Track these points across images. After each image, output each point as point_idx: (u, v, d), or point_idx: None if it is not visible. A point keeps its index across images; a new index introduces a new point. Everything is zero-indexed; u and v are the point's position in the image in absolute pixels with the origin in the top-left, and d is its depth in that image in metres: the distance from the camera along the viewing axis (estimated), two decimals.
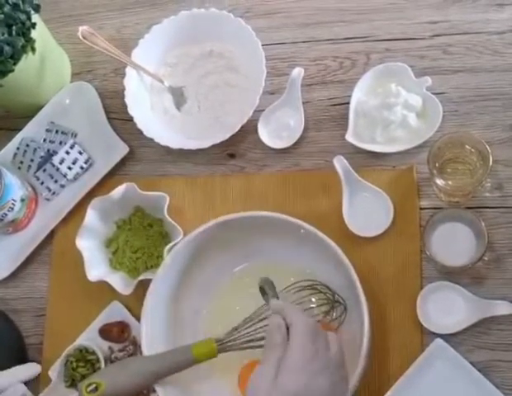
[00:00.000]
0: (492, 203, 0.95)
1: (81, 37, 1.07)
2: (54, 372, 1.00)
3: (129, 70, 1.10)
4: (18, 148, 1.12)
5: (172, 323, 0.97)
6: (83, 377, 0.98)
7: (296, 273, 0.95)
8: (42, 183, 1.10)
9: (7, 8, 1.00)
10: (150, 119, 1.10)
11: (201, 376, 0.94)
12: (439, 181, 0.91)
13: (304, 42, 1.10)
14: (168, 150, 1.05)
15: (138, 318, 0.95)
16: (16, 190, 1.06)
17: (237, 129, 1.02)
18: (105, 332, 1.01)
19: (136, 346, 1.00)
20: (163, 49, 1.12)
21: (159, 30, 1.11)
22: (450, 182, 0.93)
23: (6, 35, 0.99)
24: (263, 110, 1.05)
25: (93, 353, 0.99)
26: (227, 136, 1.03)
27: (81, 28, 1.08)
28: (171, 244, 0.98)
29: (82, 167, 1.09)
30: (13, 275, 1.07)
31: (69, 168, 1.09)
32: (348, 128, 1.01)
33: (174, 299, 0.97)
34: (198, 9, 1.11)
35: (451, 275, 0.93)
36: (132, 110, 1.07)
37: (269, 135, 1.06)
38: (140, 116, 1.07)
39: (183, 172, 1.08)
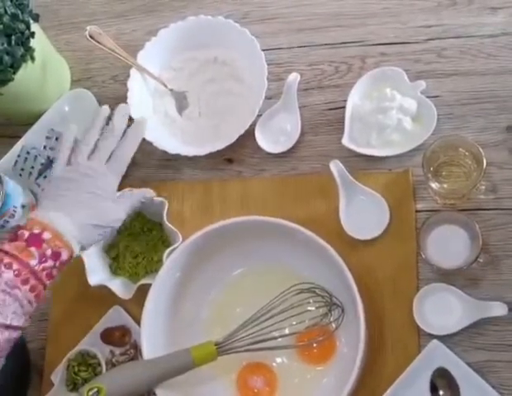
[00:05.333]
0: (487, 205, 0.96)
1: (88, 36, 1.08)
2: (57, 376, 1.01)
3: (133, 72, 1.11)
4: (19, 156, 1.13)
5: (172, 327, 0.98)
6: (85, 381, 0.99)
7: (294, 276, 0.96)
8: (43, 190, 1.11)
9: (6, 18, 1.01)
10: (151, 122, 1.10)
11: (201, 379, 0.95)
12: (434, 185, 0.92)
13: (300, 47, 1.11)
14: (166, 155, 1.07)
15: (139, 322, 0.96)
16: (18, 197, 1.07)
17: (234, 140, 1.04)
18: (106, 337, 1.03)
19: (137, 349, 1.01)
20: (168, 53, 1.14)
21: (166, 34, 1.12)
22: (445, 185, 0.94)
23: (5, 45, 1.01)
24: (261, 115, 1.06)
25: (95, 357, 1.01)
26: (223, 146, 1.04)
27: (89, 27, 1.08)
28: (170, 248, 0.99)
29: None
30: None
31: None
32: (344, 132, 1.02)
33: (174, 303, 0.98)
34: (205, 16, 1.12)
35: (447, 276, 0.94)
36: (134, 112, 1.08)
37: (266, 140, 1.07)
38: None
39: (182, 177, 1.09)
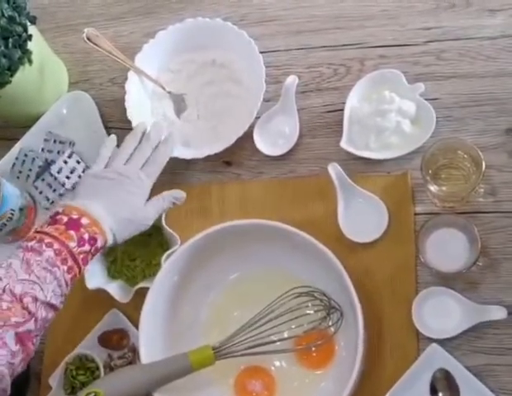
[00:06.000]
0: (486, 208, 0.96)
1: (86, 39, 1.08)
2: (55, 380, 1.01)
3: (131, 74, 1.11)
4: (17, 158, 1.13)
5: (170, 330, 0.97)
6: (83, 385, 0.99)
7: (293, 280, 0.96)
8: (41, 192, 1.11)
9: (3, 21, 1.01)
10: (149, 124, 1.10)
11: (199, 383, 0.94)
12: (433, 188, 0.92)
13: (298, 49, 1.11)
14: None
15: (137, 326, 0.96)
16: (15, 199, 1.06)
17: (233, 142, 1.03)
18: (104, 340, 1.02)
19: (135, 353, 1.01)
20: (166, 55, 1.14)
21: (164, 37, 1.12)
22: (444, 188, 0.94)
23: (2, 48, 1.00)
24: (259, 117, 1.06)
25: (93, 361, 1.01)
26: (222, 148, 1.04)
27: (86, 29, 1.08)
28: (168, 252, 0.99)
29: (80, 177, 1.10)
30: None
31: (67, 177, 1.10)
32: (343, 135, 1.02)
33: (172, 307, 0.98)
34: (203, 18, 1.12)
35: (446, 280, 0.94)
36: (132, 115, 1.08)
37: (265, 142, 1.06)
38: (139, 121, 1.07)
39: (180, 180, 1.08)
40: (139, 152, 0.98)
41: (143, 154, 0.98)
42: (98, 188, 0.93)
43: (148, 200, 0.96)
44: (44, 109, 1.15)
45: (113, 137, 1.01)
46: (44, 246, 0.84)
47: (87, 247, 0.87)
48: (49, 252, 0.83)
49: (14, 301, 0.79)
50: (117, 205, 0.92)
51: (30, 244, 0.84)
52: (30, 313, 0.80)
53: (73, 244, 0.85)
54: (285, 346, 0.93)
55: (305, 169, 1.05)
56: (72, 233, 0.86)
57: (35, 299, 0.81)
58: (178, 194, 0.98)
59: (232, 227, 0.96)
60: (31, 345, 0.81)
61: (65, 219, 0.87)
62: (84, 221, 0.87)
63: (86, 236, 0.87)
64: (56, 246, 0.84)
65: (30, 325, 0.80)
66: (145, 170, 0.97)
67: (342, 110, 1.04)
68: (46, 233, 0.85)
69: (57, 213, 0.88)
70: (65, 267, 0.84)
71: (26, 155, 1.13)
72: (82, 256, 0.86)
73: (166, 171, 1.07)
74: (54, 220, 0.88)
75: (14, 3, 1.03)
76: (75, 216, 0.88)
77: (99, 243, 0.88)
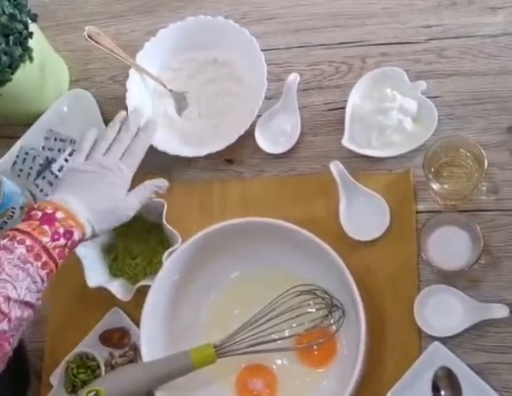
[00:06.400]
0: (488, 206, 0.96)
1: (87, 37, 1.07)
2: (56, 379, 1.01)
3: (132, 72, 1.11)
4: (17, 156, 1.13)
5: (171, 329, 0.97)
6: (84, 383, 0.99)
7: (294, 278, 0.95)
8: (41, 191, 1.11)
9: (3, 18, 1.00)
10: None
11: (200, 382, 0.94)
12: (435, 186, 0.92)
13: (299, 47, 1.11)
14: (166, 156, 1.06)
15: (138, 324, 0.96)
16: (16, 198, 1.06)
17: (234, 140, 1.03)
18: (105, 339, 1.02)
19: (136, 351, 1.01)
20: (167, 54, 1.13)
21: (165, 35, 1.12)
22: (446, 186, 0.94)
23: (3, 45, 1.00)
24: (260, 115, 1.06)
25: (94, 359, 1.00)
26: (223, 146, 1.04)
27: (87, 27, 1.08)
28: (169, 250, 0.99)
29: None
30: None
31: None
32: (345, 133, 1.02)
33: (173, 305, 0.98)
34: (205, 16, 1.12)
35: (448, 278, 0.94)
36: None
37: (266, 141, 1.06)
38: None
39: (181, 178, 1.08)
40: (118, 142, 0.97)
41: (122, 144, 0.97)
42: (80, 182, 0.92)
43: (129, 190, 0.95)
44: (44, 107, 1.14)
45: (94, 130, 0.99)
46: (15, 243, 0.82)
47: (62, 242, 0.85)
48: (20, 249, 0.82)
49: None
50: (97, 197, 0.91)
51: (2, 242, 0.83)
52: (2, 313, 0.78)
53: (46, 239, 0.84)
54: (286, 344, 0.93)
55: (306, 167, 1.05)
56: (46, 227, 0.84)
57: (8, 299, 0.79)
58: (161, 183, 0.97)
59: (233, 225, 0.95)
60: (8, 345, 0.79)
61: (39, 214, 0.86)
62: (59, 215, 0.86)
63: (61, 230, 0.85)
64: (28, 242, 0.83)
65: (4, 325, 0.78)
66: (125, 160, 0.95)
67: (343, 108, 1.04)
68: (19, 230, 0.84)
69: (32, 208, 0.88)
70: (39, 263, 0.83)
71: (26, 153, 1.12)
72: (57, 250, 0.85)
73: (167, 169, 1.08)
74: (28, 216, 0.86)
75: (15, 1, 1.03)
76: (49, 211, 0.86)
77: (76, 236, 0.87)
